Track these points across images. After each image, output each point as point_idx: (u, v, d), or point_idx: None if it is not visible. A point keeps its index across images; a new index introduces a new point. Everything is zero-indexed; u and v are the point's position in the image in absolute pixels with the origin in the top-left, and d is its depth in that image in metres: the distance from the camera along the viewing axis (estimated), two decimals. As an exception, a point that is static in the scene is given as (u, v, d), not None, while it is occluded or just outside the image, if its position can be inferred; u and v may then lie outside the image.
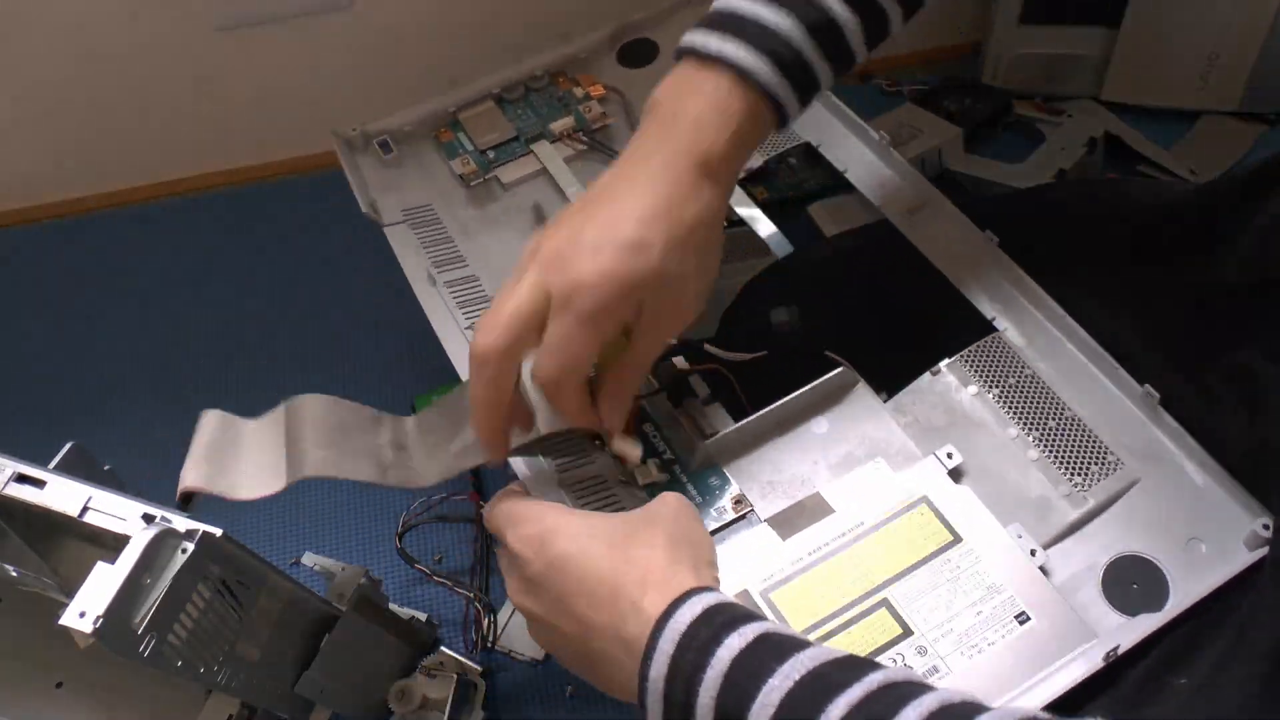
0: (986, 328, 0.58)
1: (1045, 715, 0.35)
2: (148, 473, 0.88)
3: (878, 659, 0.46)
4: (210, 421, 0.54)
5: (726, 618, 0.38)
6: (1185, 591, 0.48)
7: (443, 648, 0.72)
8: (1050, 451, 0.53)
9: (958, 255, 0.60)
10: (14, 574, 0.56)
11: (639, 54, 0.77)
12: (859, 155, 0.68)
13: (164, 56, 1.00)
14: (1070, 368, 0.56)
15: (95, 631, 0.46)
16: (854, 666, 0.36)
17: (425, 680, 0.69)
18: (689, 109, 0.47)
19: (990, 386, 0.55)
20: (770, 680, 0.35)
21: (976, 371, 0.56)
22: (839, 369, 0.55)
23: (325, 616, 0.63)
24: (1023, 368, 0.56)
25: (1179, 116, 1.00)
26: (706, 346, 0.56)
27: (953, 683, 0.46)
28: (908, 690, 0.35)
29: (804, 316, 0.63)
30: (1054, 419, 0.54)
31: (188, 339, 0.97)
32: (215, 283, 1.02)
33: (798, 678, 0.35)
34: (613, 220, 0.45)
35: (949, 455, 0.52)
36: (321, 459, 0.52)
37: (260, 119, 1.08)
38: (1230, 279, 0.54)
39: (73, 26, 0.96)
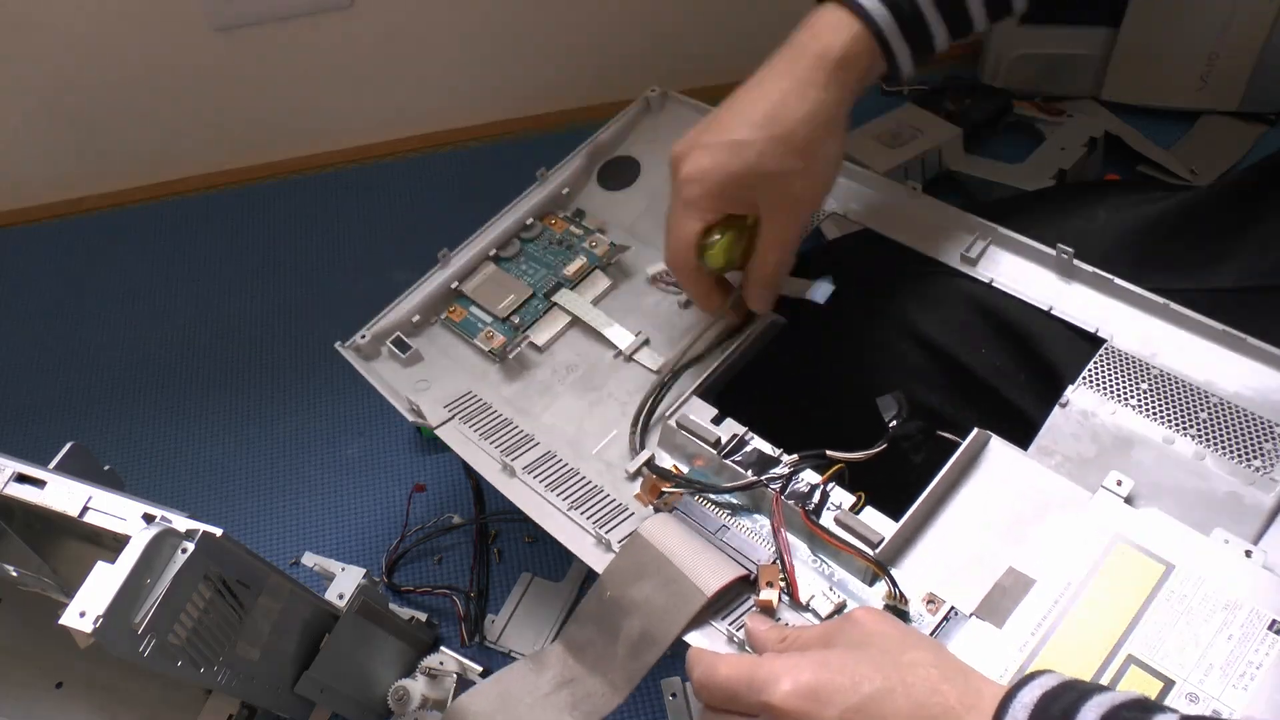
0: (1090, 344, 0.55)
1: None
2: (148, 473, 0.88)
3: None
4: None
5: (1058, 711, 0.37)
6: None
7: (443, 648, 0.72)
8: (1214, 444, 0.49)
9: (1034, 280, 0.58)
10: (14, 574, 0.56)
11: (619, 173, 0.74)
12: (893, 205, 0.65)
13: (163, 57, 1.00)
14: (1197, 353, 0.52)
15: (95, 631, 0.46)
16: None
17: (425, 681, 0.69)
18: (809, 29, 0.55)
19: (1124, 399, 0.52)
20: None
21: (1103, 389, 0.53)
22: (973, 431, 0.52)
23: (325, 616, 0.63)
24: (1148, 369, 0.53)
25: (1179, 116, 0.99)
26: (828, 453, 0.53)
27: None
28: None
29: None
30: (1203, 409, 0.50)
31: (187, 339, 0.97)
32: (215, 282, 1.02)
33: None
34: (725, 124, 0.54)
35: (1118, 483, 0.49)
36: None
37: (260, 119, 1.08)
38: (1232, 284, 0.54)
39: (72, 27, 0.96)
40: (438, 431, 0.63)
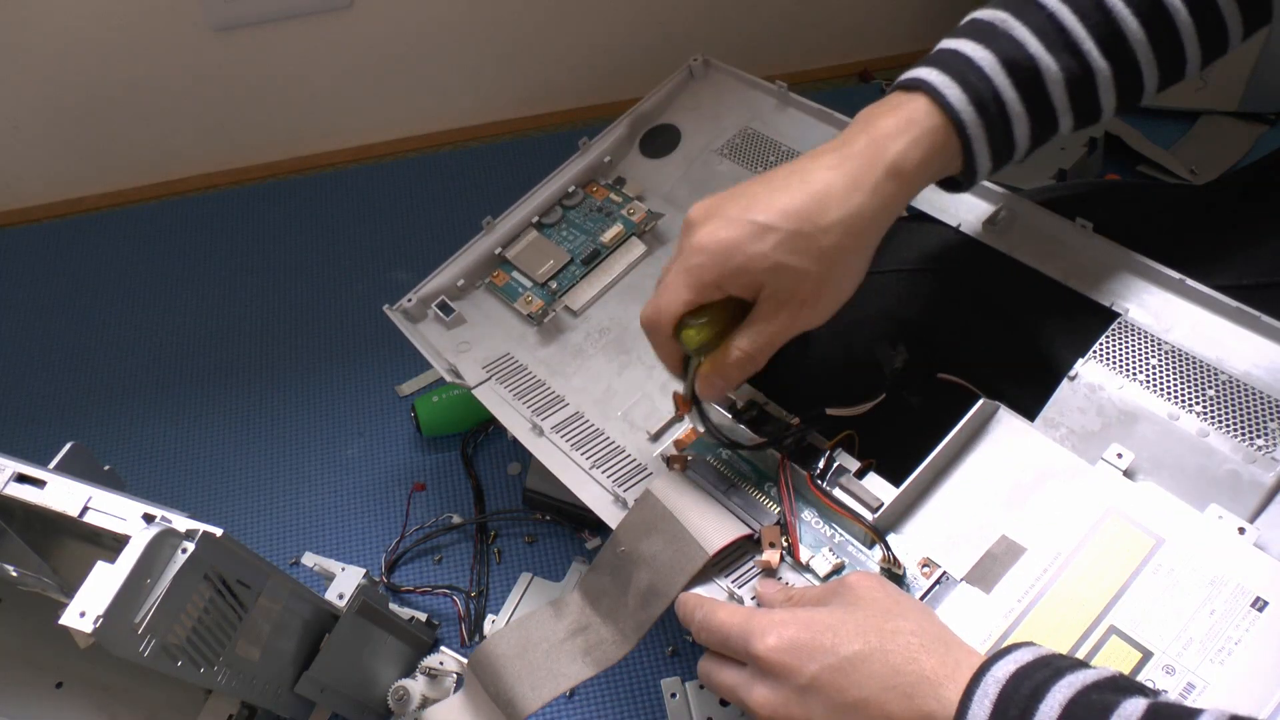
0: (1102, 317, 0.55)
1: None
2: (148, 473, 0.88)
3: None
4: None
5: (1029, 689, 0.38)
6: None
7: (443, 648, 0.72)
8: (1219, 421, 0.49)
9: (1053, 252, 0.57)
10: (14, 574, 0.56)
11: (661, 140, 0.75)
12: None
13: (164, 57, 1.00)
14: (1210, 329, 0.52)
15: (95, 631, 0.46)
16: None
17: (425, 681, 0.69)
18: (878, 121, 0.49)
19: (1133, 374, 0.52)
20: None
21: (1113, 363, 0.53)
22: (979, 401, 0.52)
23: (325, 616, 0.63)
24: (1159, 344, 0.52)
25: (1179, 116, 1.00)
26: (829, 411, 0.54)
27: (1214, 696, 0.42)
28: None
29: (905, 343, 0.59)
30: (1211, 387, 0.50)
31: (187, 339, 0.97)
32: (214, 282, 1.02)
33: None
34: (754, 200, 0.48)
35: (1118, 456, 0.49)
36: (529, 694, 0.53)
37: (260, 119, 1.08)
38: (1230, 283, 0.54)
39: (72, 28, 0.96)
40: (475, 391, 0.65)
